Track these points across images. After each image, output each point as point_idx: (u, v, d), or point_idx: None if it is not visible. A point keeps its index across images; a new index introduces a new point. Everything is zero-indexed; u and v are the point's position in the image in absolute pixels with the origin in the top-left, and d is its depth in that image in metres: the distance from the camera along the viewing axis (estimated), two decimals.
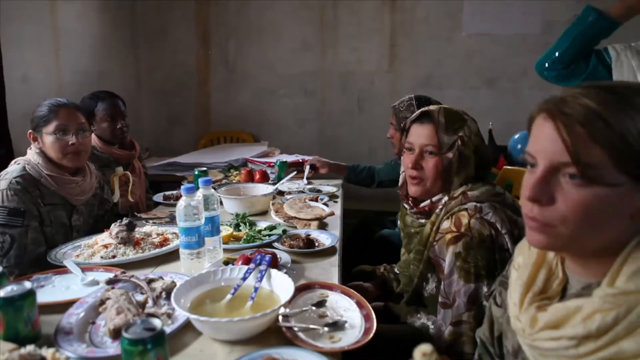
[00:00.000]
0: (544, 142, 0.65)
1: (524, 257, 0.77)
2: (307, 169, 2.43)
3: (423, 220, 1.28)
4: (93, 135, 1.91)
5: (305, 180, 2.37)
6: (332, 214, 1.75)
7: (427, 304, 1.32)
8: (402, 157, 1.33)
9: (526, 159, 0.69)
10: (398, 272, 1.54)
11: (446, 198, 1.22)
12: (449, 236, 1.15)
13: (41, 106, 1.55)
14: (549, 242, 0.66)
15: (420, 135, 1.25)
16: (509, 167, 2.15)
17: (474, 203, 1.16)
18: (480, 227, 1.12)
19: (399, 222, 1.45)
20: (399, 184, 1.39)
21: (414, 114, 1.30)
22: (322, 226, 1.67)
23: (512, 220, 1.15)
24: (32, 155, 1.55)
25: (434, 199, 1.24)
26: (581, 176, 0.61)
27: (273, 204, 1.86)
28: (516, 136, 2.81)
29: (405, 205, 1.35)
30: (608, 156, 0.59)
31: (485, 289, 1.10)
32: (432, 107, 1.27)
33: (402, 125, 1.42)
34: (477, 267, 1.11)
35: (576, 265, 0.70)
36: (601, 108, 0.60)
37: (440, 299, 1.18)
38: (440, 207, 1.22)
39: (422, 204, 1.27)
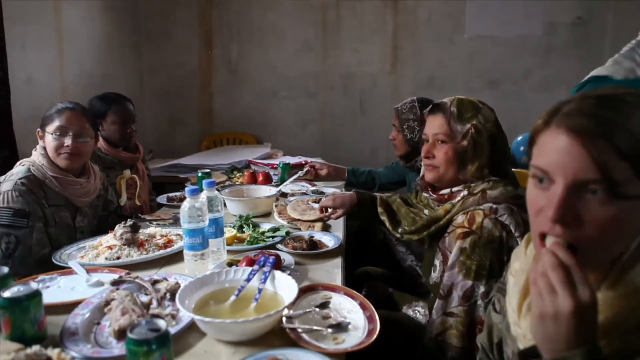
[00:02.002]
0: (562, 157, 0.60)
1: (520, 263, 0.77)
2: (306, 169, 2.46)
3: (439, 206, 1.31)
4: None
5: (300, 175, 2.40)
6: None
7: (431, 291, 1.35)
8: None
9: (534, 172, 0.65)
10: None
11: (465, 192, 1.24)
12: (459, 231, 1.18)
13: (53, 106, 1.60)
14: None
15: (432, 125, 1.31)
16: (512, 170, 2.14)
17: (491, 204, 1.18)
18: (491, 228, 1.14)
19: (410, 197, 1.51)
20: (420, 174, 1.41)
21: (429, 107, 1.35)
22: (326, 228, 1.67)
23: (528, 223, 1.15)
24: (36, 156, 1.56)
25: (454, 189, 1.27)
26: (609, 192, 0.57)
27: (276, 206, 1.87)
28: (519, 138, 2.82)
29: (426, 195, 1.39)
30: (633, 168, 0.57)
31: (482, 289, 1.13)
32: (445, 99, 1.31)
33: (420, 117, 1.49)
34: (479, 266, 1.13)
35: None
36: (623, 119, 0.57)
37: (440, 290, 1.21)
38: (459, 198, 1.25)
39: (442, 192, 1.31)
